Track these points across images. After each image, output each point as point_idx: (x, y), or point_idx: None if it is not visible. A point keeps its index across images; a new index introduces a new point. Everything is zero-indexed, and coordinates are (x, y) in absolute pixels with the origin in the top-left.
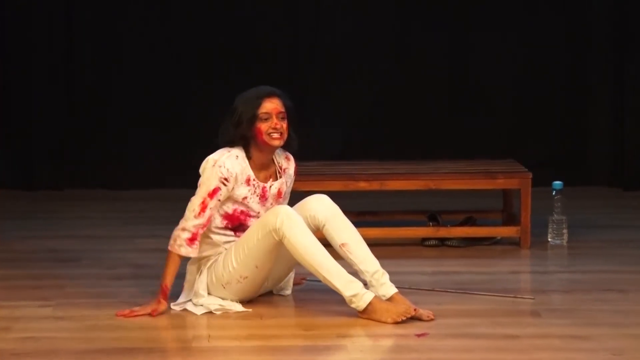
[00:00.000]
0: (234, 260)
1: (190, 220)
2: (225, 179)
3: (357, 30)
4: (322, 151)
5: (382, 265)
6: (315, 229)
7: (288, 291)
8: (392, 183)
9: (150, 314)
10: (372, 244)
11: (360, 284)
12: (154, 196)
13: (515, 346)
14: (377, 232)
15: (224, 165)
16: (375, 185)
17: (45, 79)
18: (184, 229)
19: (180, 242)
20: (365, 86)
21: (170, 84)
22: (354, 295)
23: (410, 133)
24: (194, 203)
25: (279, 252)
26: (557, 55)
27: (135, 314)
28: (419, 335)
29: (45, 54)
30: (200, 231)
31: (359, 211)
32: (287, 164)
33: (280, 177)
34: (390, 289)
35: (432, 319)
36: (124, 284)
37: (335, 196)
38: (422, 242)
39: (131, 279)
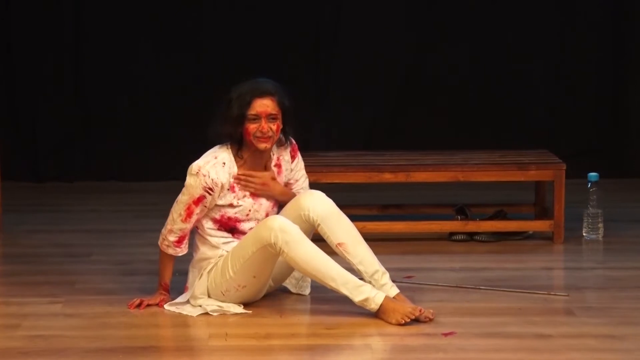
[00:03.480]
0: (230, 269)
1: (178, 223)
2: (210, 189)
3: (382, 18)
4: (346, 141)
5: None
6: (310, 227)
7: (307, 290)
8: (419, 175)
9: (158, 305)
10: (397, 239)
11: (369, 287)
12: (167, 188)
13: (548, 346)
14: (402, 226)
15: (209, 175)
16: (400, 177)
17: (55, 69)
18: (171, 231)
19: (168, 243)
20: (391, 74)
21: (185, 75)
22: (365, 300)
23: (438, 123)
24: (180, 207)
25: (276, 261)
26: (593, 42)
27: (147, 302)
28: (446, 335)
29: (54, 43)
30: (188, 233)
31: (383, 204)
32: (281, 151)
33: (270, 168)
34: (390, 291)
35: (431, 319)
36: (136, 279)
37: (358, 188)
38: (450, 236)
39: (143, 274)
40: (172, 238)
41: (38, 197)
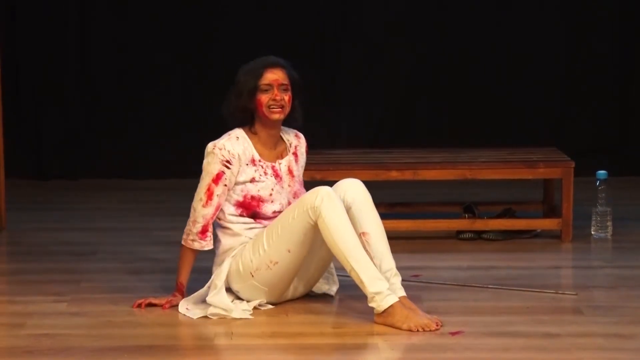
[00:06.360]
0: (265, 242)
1: (199, 210)
2: (228, 162)
3: (390, 11)
4: (352, 138)
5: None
6: None
7: (334, 288)
8: (426, 172)
9: (162, 306)
10: (404, 237)
11: (387, 284)
12: (173, 186)
13: (556, 345)
14: (409, 225)
15: (224, 148)
16: (407, 175)
17: (59, 66)
18: (194, 222)
19: (193, 237)
20: (399, 70)
21: (190, 71)
22: (378, 293)
23: (445, 119)
24: (200, 192)
25: (313, 239)
26: (603, 38)
27: (149, 301)
28: (453, 334)
29: (59, 40)
30: (211, 221)
31: (390, 202)
32: (298, 142)
33: (288, 154)
34: (398, 291)
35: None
36: (141, 278)
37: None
38: (457, 235)
39: (149, 273)
40: (197, 229)
41: (43, 195)
